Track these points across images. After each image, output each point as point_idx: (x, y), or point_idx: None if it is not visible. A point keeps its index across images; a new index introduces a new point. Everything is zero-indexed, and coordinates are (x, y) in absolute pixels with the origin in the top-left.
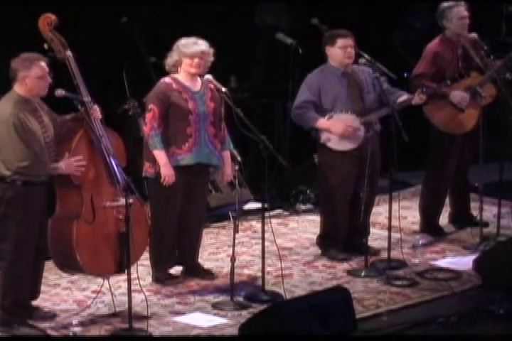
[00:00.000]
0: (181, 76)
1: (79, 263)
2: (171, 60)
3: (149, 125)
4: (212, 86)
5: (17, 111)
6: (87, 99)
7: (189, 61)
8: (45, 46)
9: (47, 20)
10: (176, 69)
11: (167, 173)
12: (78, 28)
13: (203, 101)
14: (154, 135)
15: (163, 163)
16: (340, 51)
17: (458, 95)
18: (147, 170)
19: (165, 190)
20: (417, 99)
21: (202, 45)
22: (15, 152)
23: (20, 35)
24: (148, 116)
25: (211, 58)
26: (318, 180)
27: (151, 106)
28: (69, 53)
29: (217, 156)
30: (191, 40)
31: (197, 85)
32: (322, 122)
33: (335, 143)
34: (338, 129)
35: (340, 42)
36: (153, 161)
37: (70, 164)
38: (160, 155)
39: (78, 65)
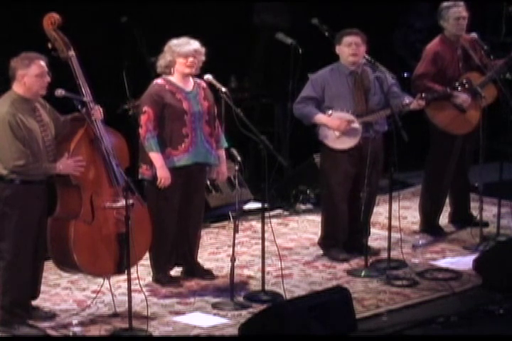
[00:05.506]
0: (174, 77)
1: (76, 263)
2: (163, 61)
3: (144, 127)
4: (204, 85)
5: (13, 110)
6: (88, 99)
7: (183, 61)
8: (49, 45)
9: (51, 20)
10: (169, 71)
11: (163, 176)
12: (78, 28)
13: (197, 100)
14: (150, 137)
15: (159, 166)
16: (346, 49)
17: (460, 96)
18: (144, 172)
19: (163, 192)
20: (416, 104)
21: (194, 44)
22: (10, 151)
23: (22, 34)
24: (143, 118)
25: (203, 57)
26: (319, 180)
27: (145, 108)
28: (72, 53)
29: (213, 155)
30: (183, 40)
31: (189, 85)
32: (320, 117)
33: (332, 141)
34: (333, 123)
35: (345, 39)
36: (150, 163)
37: (68, 164)
38: (156, 158)
39: (81, 65)
